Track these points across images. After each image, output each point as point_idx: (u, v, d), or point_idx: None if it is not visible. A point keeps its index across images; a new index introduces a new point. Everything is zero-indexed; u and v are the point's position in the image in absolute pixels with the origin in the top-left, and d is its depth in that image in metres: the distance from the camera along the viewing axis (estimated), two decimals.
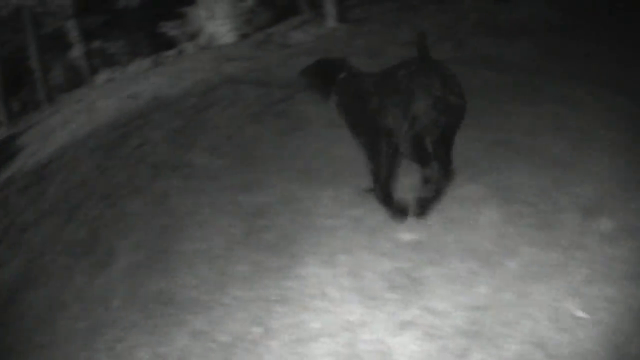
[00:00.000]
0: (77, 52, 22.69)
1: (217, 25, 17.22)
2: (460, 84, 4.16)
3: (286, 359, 3.76)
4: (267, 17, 16.99)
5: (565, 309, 3.60)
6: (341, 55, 6.69)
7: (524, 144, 5.48)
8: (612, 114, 5.98)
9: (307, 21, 14.94)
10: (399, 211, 4.67)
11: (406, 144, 4.21)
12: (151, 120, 9.99)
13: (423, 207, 4.59)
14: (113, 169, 8.08)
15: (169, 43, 19.91)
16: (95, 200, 7.26)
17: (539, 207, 4.53)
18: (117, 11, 22.60)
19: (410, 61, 4.29)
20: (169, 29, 19.96)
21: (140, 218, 6.27)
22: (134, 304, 4.85)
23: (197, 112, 9.43)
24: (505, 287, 3.85)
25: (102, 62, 22.53)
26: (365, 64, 5.63)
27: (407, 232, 4.57)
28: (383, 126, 4.34)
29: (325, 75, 4.88)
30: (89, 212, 6.95)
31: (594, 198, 4.53)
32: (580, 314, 3.52)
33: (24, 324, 5.45)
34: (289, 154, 6.53)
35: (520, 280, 3.87)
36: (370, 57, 9.64)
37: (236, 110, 8.64)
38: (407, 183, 4.91)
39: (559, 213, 4.44)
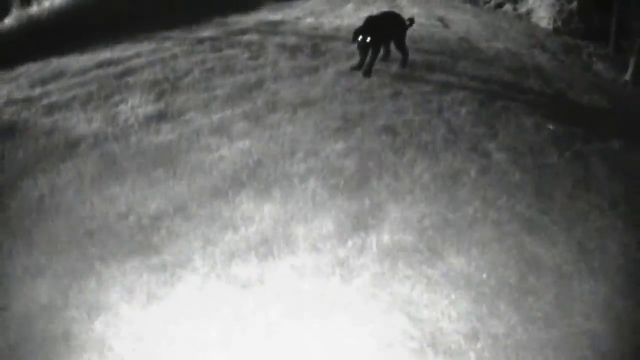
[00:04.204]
0: None
1: (539, 5, 15.93)
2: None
3: None
4: (580, 28, 15.59)
5: None
6: None
7: None
8: None
9: (610, 57, 13.70)
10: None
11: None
12: (456, 67, 8.63)
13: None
14: (407, 100, 6.96)
15: None
16: (376, 127, 6.15)
17: None
18: None
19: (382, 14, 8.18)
20: None
21: (422, 188, 5.02)
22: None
23: (503, 90, 8.05)
24: None
25: None
26: None
27: None
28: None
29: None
30: (365, 138, 5.83)
31: None
32: None
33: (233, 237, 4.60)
34: (576, 214, 5.14)
35: None
36: None
37: (540, 120, 7.06)
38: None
39: None
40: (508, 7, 16.64)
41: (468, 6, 15.90)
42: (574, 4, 15.63)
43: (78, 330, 3.39)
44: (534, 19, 15.77)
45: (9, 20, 9.63)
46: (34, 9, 10.06)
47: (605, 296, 4.03)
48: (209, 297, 3.59)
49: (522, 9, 16.36)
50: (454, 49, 9.71)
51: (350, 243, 4.10)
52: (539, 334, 3.57)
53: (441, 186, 4.96)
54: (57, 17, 9.86)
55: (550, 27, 15.22)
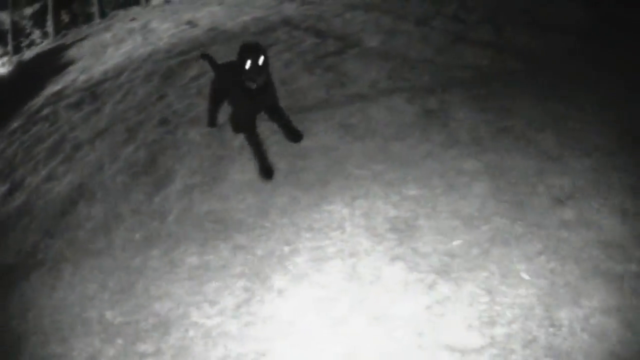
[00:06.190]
0: None
1: None
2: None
3: (306, 273, 4.43)
4: None
5: (515, 269, 4.14)
6: None
7: (523, 134, 5.55)
8: (607, 126, 5.50)
9: None
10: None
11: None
12: (210, 52, 10.01)
13: None
14: (171, 96, 8.25)
15: None
16: (153, 124, 7.44)
17: (518, 189, 4.90)
18: None
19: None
20: None
21: (197, 146, 6.47)
22: (186, 220, 5.40)
23: None
24: (475, 244, 4.40)
25: None
26: None
27: (414, 189, 5.14)
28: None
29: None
30: (147, 135, 7.15)
31: (565, 191, 4.81)
32: (525, 276, 4.06)
33: (80, 234, 5.80)
34: (332, 106, 6.61)
35: (487, 242, 4.41)
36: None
37: (292, 56, 8.65)
38: None
39: (532, 196, 4.81)
40: None
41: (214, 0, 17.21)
42: None
43: None
44: None
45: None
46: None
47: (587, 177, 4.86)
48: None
49: None
50: (203, 41, 11.15)
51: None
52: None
53: None
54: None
55: None
